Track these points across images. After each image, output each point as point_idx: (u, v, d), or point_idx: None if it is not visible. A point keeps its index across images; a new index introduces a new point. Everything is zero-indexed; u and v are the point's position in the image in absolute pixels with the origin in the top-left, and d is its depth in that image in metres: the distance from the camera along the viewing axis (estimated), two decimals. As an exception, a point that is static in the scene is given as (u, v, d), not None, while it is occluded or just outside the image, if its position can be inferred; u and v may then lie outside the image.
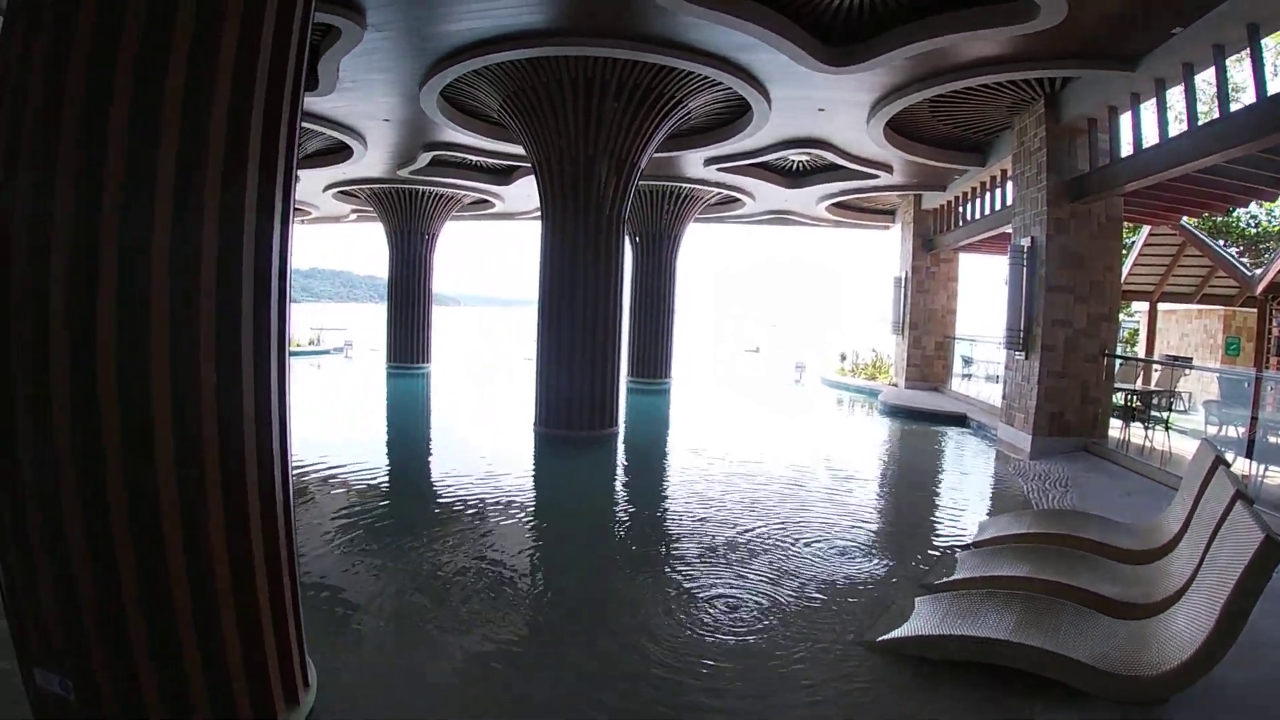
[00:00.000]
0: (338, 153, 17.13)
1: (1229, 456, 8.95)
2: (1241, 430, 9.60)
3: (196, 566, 3.30)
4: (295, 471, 9.20)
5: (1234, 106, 8.64)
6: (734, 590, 5.88)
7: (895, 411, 16.53)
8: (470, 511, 8.25)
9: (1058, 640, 4.28)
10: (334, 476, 9.54)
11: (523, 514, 8.37)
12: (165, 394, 3.20)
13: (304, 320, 35.29)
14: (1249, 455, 8.75)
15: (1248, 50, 8.24)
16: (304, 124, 13.67)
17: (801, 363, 24.14)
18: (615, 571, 6.57)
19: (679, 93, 11.43)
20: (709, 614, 5.44)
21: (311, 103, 12.94)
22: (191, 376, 3.26)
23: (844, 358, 23.62)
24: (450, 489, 9.49)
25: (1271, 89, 9.44)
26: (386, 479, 10.11)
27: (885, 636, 4.83)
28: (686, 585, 6.06)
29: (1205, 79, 11.34)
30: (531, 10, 9.37)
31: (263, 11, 3.38)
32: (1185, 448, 10.13)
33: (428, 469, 11.19)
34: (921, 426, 14.97)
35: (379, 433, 14.25)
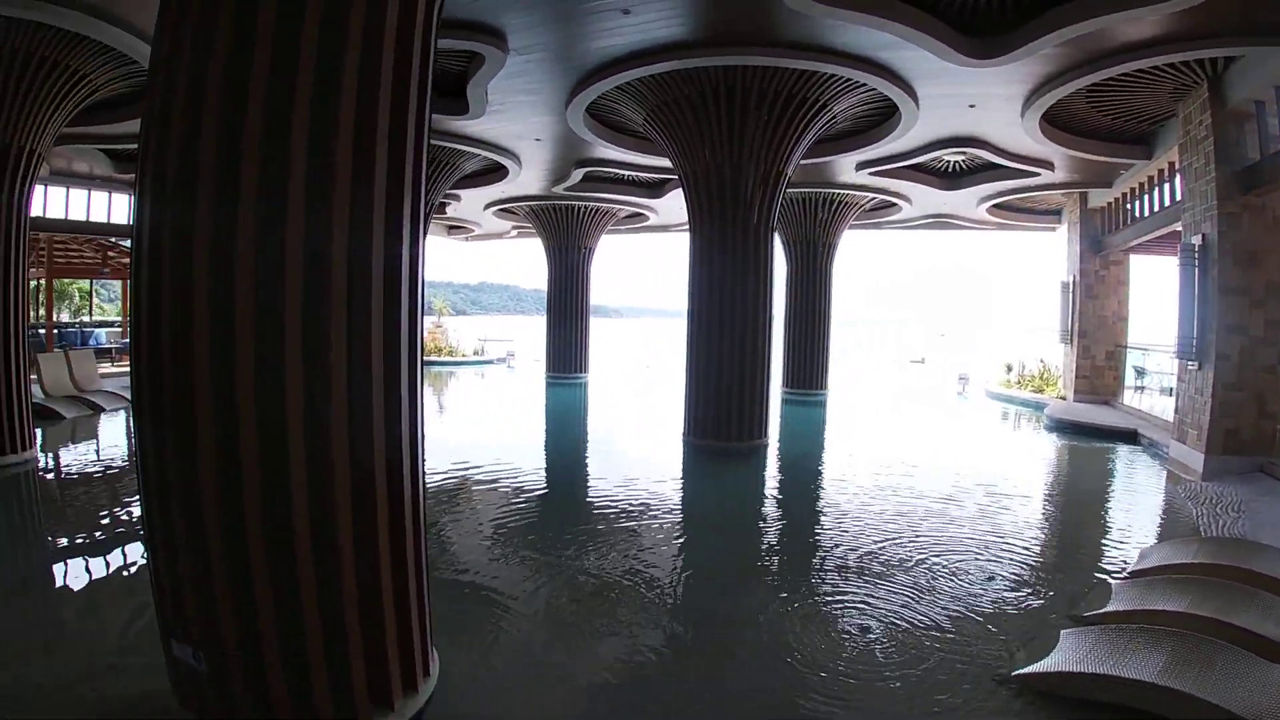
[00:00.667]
0: (494, 172, 17.87)
1: None
2: None
3: (323, 556, 3.53)
4: (454, 473, 9.99)
5: None
6: (870, 613, 5.66)
7: (1061, 426, 15.46)
8: (615, 518, 8.39)
9: (1208, 686, 3.89)
10: (489, 479, 9.97)
11: (665, 523, 8.41)
12: (298, 397, 3.44)
13: (471, 332, 36.67)
14: None
15: None
16: (459, 146, 14.33)
17: (965, 374, 23.12)
18: (753, 586, 6.45)
19: (822, 96, 11.20)
20: (842, 638, 5.26)
21: (465, 126, 13.51)
22: (322, 380, 3.49)
23: (1010, 369, 22.44)
24: (598, 496, 9.71)
25: None
26: (539, 484, 10.40)
27: (1022, 670, 4.51)
28: (823, 604, 5.92)
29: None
30: (669, 24, 9.43)
31: (382, 36, 3.59)
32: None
33: (578, 475, 11.45)
34: (1088, 443, 13.93)
35: (535, 439, 14.70)
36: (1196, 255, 10.58)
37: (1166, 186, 14.04)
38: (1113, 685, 4.14)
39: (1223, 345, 10.16)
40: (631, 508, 8.75)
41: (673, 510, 9.08)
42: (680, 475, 11.23)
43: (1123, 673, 4.16)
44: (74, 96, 9.96)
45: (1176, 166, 12.45)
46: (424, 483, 4.19)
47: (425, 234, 4.10)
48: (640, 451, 12.78)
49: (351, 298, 3.54)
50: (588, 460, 12.89)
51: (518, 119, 13.50)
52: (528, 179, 18.72)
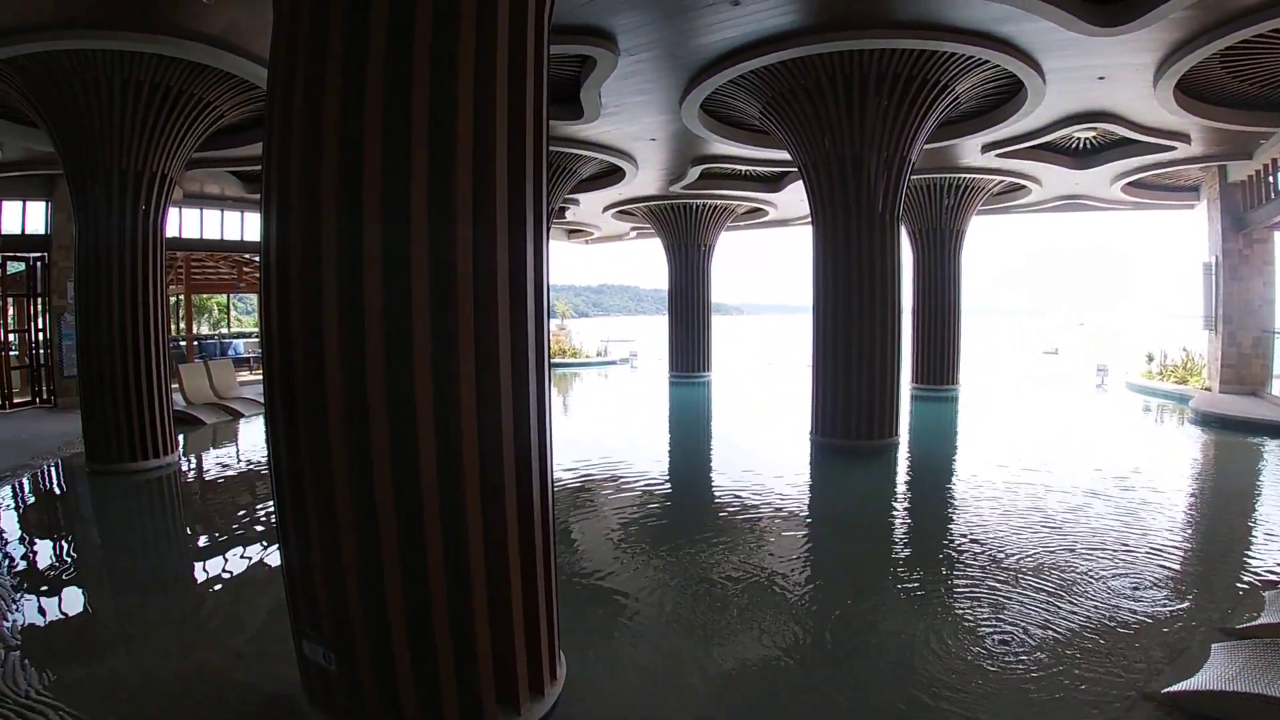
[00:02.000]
0: (612, 175, 18.06)
1: None
2: None
3: (453, 559, 3.59)
4: (580, 473, 10.15)
5: None
6: (1007, 621, 5.36)
7: (1207, 420, 14.39)
8: (743, 519, 8.28)
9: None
10: (616, 479, 10.05)
11: (795, 524, 8.27)
12: (428, 402, 3.51)
13: (594, 333, 37.14)
14: None
15: None
16: (576, 150, 14.52)
17: (1104, 365, 22.01)
18: (883, 590, 6.24)
19: (942, 77, 10.75)
20: (977, 647, 4.98)
21: (580, 130, 13.64)
22: (451, 385, 3.55)
23: (1151, 359, 21.21)
24: (724, 496, 9.63)
25: None
26: (663, 483, 10.38)
27: (1171, 688, 4.15)
28: (956, 612, 5.65)
29: None
30: (780, 11, 9.23)
31: (494, 42, 3.63)
32: None
33: (703, 475, 11.39)
34: (1235, 437, 12.88)
35: (659, 439, 14.70)
36: (1349, 229, 9.72)
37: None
38: (1268, 707, 3.78)
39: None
40: (758, 508, 8.62)
41: (801, 511, 8.91)
42: (808, 475, 10.99)
43: (1278, 693, 3.81)
44: (201, 123, 10.57)
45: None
46: (553, 486, 4.19)
47: (547, 238, 4.12)
48: (766, 450, 12.58)
49: (478, 303, 3.58)
50: (712, 460, 12.82)
51: (632, 120, 13.53)
52: (645, 179, 18.78)
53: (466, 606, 3.60)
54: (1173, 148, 14.92)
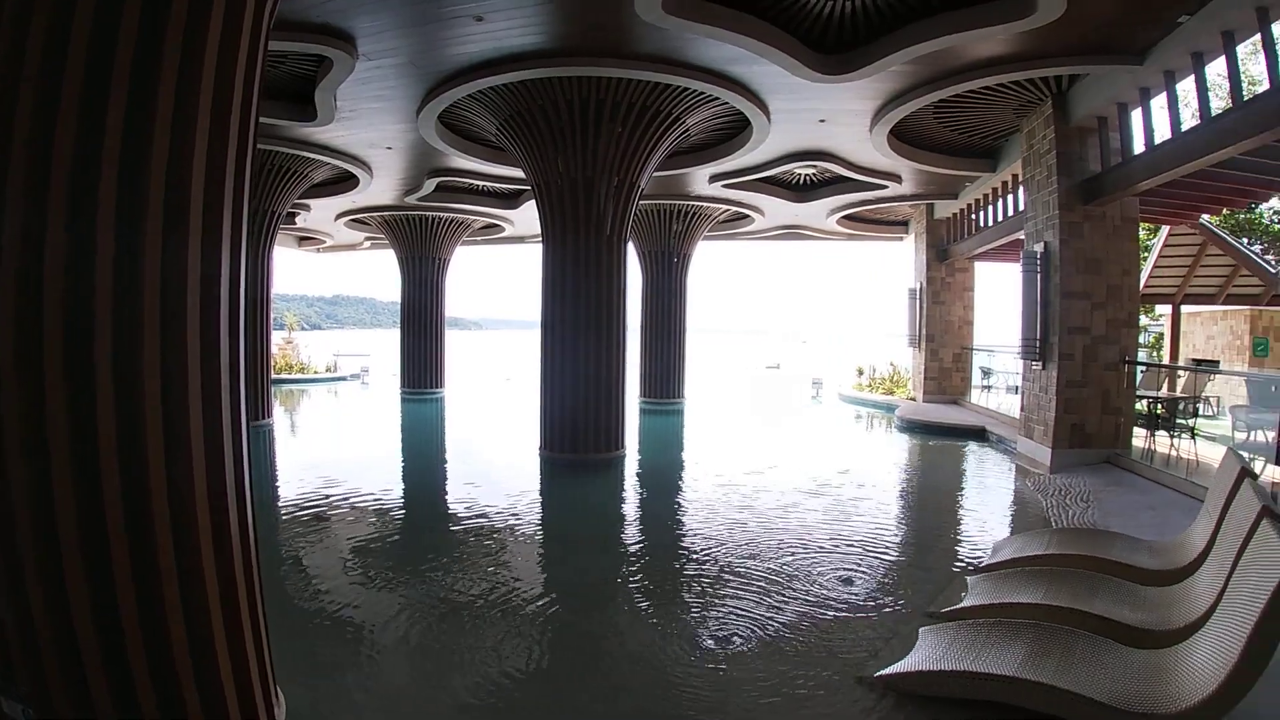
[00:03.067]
0: (345, 181, 17.27)
1: (1259, 464, 8.64)
2: (1272, 435, 9.23)
3: (147, 598, 3.22)
4: (305, 497, 9.55)
5: (1247, 96, 8.26)
6: (729, 621, 5.67)
7: (912, 426, 16.19)
8: (472, 539, 8.17)
9: (1069, 675, 3.94)
10: (346, 501, 9.57)
11: (524, 541, 8.25)
12: (110, 425, 3.12)
13: (325, 347, 35.67)
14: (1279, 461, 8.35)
15: (1259, 36, 7.82)
16: (308, 154, 13.84)
17: (819, 379, 23.80)
18: (614, 599, 6.44)
19: (676, 110, 11.27)
20: (701, 646, 5.24)
21: (313, 133, 13.03)
22: (136, 405, 3.18)
23: (861, 372, 23.26)
24: (454, 514, 9.47)
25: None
26: (391, 506, 9.97)
27: (883, 671, 4.53)
28: (684, 614, 5.91)
29: (1218, 70, 11.02)
30: (523, 33, 9.29)
31: (205, 31, 3.32)
32: (1214, 455, 9.52)
33: (433, 495, 11.09)
34: (938, 441, 14.62)
35: (387, 459, 14.06)
36: (1039, 262, 11.15)
37: (1010, 198, 14.82)
38: (974, 681, 4.17)
39: (1066, 346, 10.84)
40: (488, 526, 8.56)
41: (531, 526, 8.90)
42: (537, 490, 11.08)
43: (983, 667, 4.20)
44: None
45: (1020, 179, 13.09)
46: (255, 513, 3.88)
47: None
48: (496, 467, 12.48)
49: (165, 315, 3.23)
50: (443, 479, 12.54)
51: (368, 126, 13.06)
52: (379, 188, 18.17)
53: (164, 647, 3.25)
54: (885, 186, 16.44)
